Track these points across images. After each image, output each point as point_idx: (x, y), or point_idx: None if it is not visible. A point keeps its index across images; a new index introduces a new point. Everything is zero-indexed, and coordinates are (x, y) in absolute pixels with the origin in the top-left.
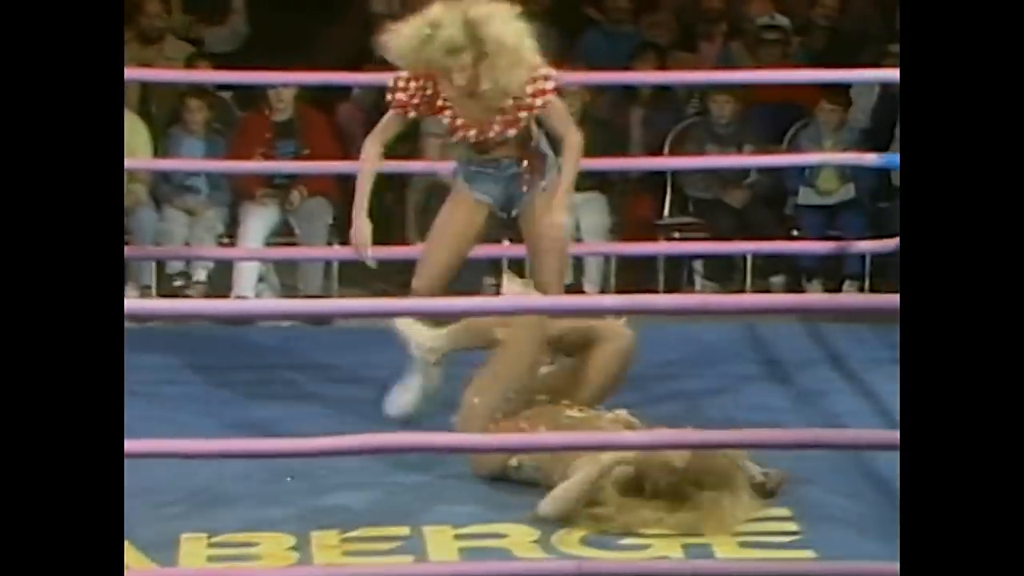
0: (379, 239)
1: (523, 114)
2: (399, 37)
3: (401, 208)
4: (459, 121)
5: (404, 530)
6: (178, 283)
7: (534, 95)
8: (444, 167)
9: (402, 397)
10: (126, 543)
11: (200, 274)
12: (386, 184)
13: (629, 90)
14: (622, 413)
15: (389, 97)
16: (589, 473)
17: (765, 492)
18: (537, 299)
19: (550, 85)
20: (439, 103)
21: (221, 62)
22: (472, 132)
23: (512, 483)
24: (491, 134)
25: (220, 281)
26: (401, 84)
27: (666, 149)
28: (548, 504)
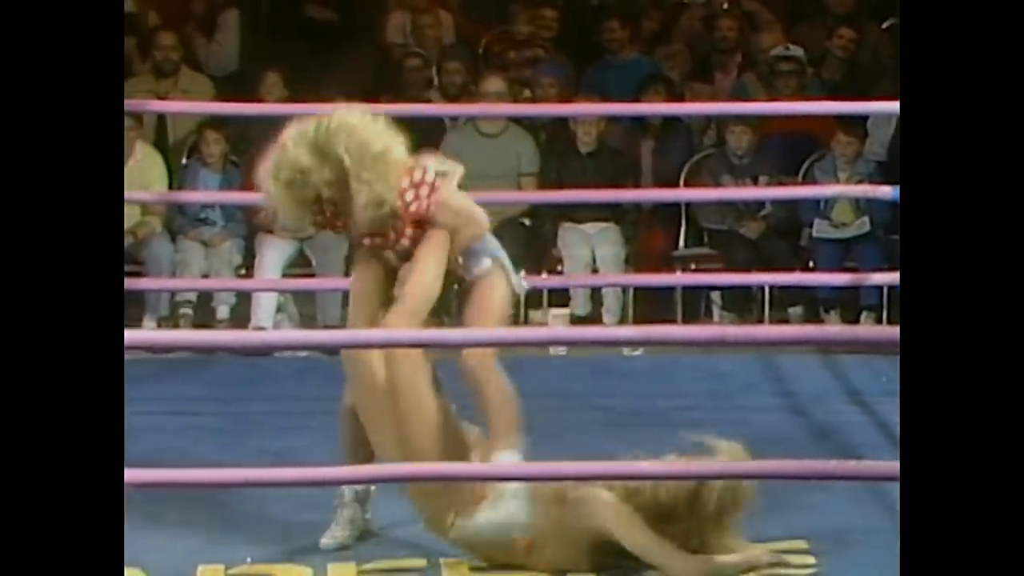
0: None
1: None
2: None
3: None
4: (376, 239)
5: (421, 562)
6: (184, 311)
7: (414, 197)
8: None
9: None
10: (142, 573)
11: (223, 311)
12: None
13: (640, 121)
14: None
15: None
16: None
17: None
18: (553, 330)
19: (429, 178)
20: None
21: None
22: (389, 250)
23: None
24: (401, 246)
25: (239, 312)
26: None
27: (681, 180)
28: None
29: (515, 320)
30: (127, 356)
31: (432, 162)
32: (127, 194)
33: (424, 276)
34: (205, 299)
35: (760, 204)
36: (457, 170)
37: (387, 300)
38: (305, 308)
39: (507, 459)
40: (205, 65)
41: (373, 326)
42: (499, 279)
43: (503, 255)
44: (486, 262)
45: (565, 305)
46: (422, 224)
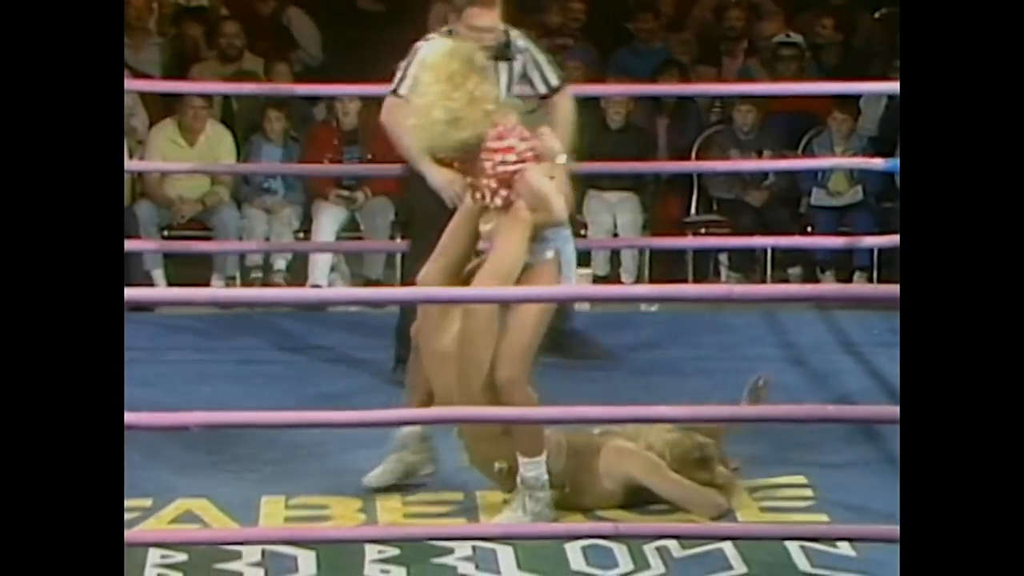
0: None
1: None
2: None
3: None
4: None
5: (459, 495)
6: (256, 275)
7: (500, 160)
8: None
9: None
10: (210, 504)
11: (280, 263)
12: None
13: (657, 101)
14: None
15: None
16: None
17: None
18: (575, 288)
19: (520, 148)
20: None
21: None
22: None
23: None
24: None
25: (297, 271)
26: None
27: (693, 154)
28: None
29: None
30: (199, 311)
31: (534, 141)
32: (199, 166)
33: (507, 252)
34: (268, 260)
35: (764, 175)
36: (558, 162)
37: (470, 255)
38: (356, 267)
39: (532, 468)
40: (296, 62)
41: (449, 274)
42: (550, 275)
43: (567, 251)
44: (548, 254)
45: (588, 266)
46: (510, 189)
